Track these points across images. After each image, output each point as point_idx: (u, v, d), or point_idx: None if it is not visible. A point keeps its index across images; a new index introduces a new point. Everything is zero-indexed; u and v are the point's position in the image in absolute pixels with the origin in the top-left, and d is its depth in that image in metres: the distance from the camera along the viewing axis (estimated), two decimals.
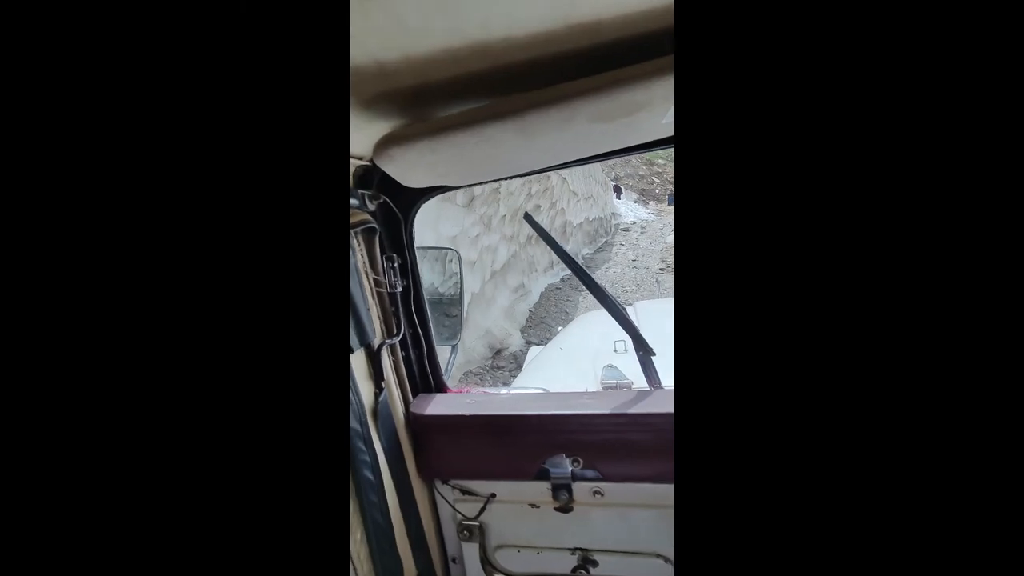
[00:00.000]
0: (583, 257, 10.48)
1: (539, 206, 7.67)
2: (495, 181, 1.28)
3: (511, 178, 1.11)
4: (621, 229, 13.89)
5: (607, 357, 2.28)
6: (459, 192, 4.57)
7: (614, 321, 1.21)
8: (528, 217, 1.24)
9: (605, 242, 12.16)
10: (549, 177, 7.98)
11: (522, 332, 5.84)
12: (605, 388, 1.32)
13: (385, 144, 0.66)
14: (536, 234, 1.76)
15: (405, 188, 0.97)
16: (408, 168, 0.72)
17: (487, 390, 1.37)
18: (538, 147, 0.69)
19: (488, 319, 5.23)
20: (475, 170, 0.83)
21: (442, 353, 1.30)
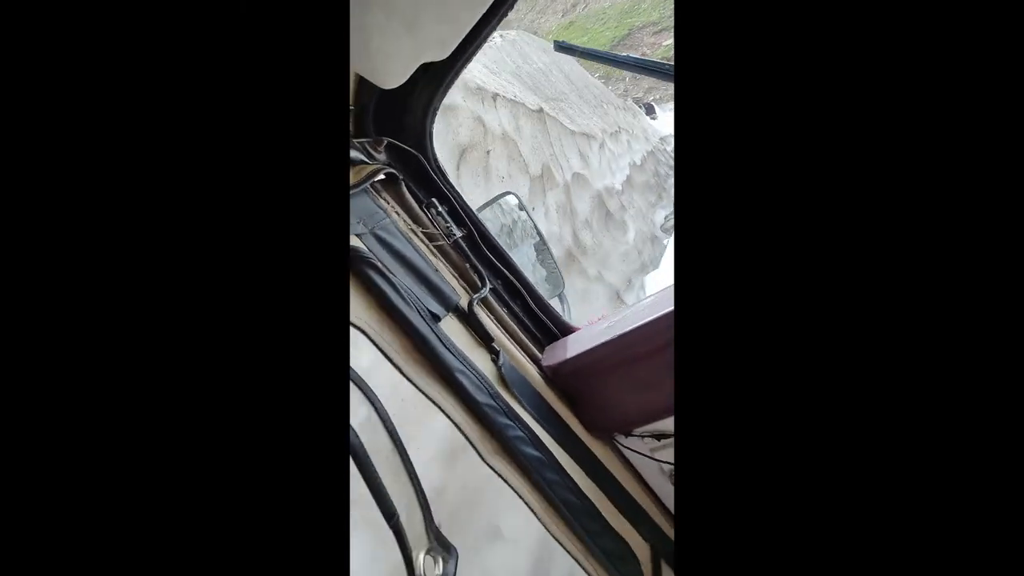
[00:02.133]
0: (666, 217, 6.26)
1: (520, 188, 3.56)
2: (485, 30, 0.71)
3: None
4: None
5: None
6: None
7: None
8: (560, 45, 1.11)
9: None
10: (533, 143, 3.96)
11: None
12: None
13: None
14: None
15: (402, 118, 0.81)
16: (374, 59, 0.60)
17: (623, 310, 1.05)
18: None
19: None
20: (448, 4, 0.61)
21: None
